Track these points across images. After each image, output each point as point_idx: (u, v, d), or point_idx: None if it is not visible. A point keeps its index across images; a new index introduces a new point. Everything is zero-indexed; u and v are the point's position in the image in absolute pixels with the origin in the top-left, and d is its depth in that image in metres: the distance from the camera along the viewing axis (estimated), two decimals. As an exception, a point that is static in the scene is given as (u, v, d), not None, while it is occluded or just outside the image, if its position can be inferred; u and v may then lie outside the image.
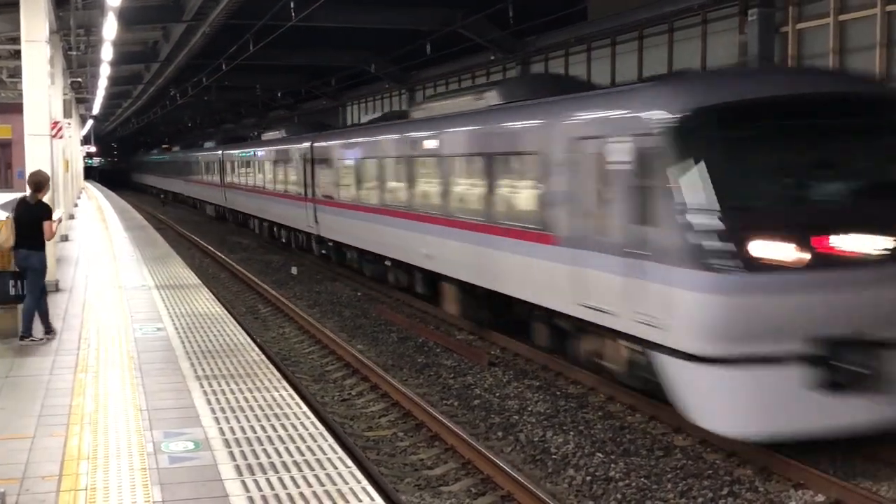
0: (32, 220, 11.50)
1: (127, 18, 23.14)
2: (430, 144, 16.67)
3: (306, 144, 25.90)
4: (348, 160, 22.15)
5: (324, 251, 24.96)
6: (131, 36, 30.04)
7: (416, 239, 17.04)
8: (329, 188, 23.71)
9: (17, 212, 11.60)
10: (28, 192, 12.00)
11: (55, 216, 12.35)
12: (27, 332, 11.63)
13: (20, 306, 11.64)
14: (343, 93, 46.08)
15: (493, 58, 29.58)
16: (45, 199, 12.00)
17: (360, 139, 21.74)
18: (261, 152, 33.00)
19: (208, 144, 48.00)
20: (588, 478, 9.63)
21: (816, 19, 17.25)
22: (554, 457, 10.31)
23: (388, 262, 19.52)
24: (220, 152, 41.42)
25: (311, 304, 20.82)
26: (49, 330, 11.89)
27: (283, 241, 30.45)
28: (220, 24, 25.72)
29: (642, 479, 9.51)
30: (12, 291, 11.47)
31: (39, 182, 11.81)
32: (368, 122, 26.83)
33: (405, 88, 38.22)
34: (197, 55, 32.55)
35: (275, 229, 31.54)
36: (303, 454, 7.16)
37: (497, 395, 12.86)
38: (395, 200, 18.37)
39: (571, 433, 11.04)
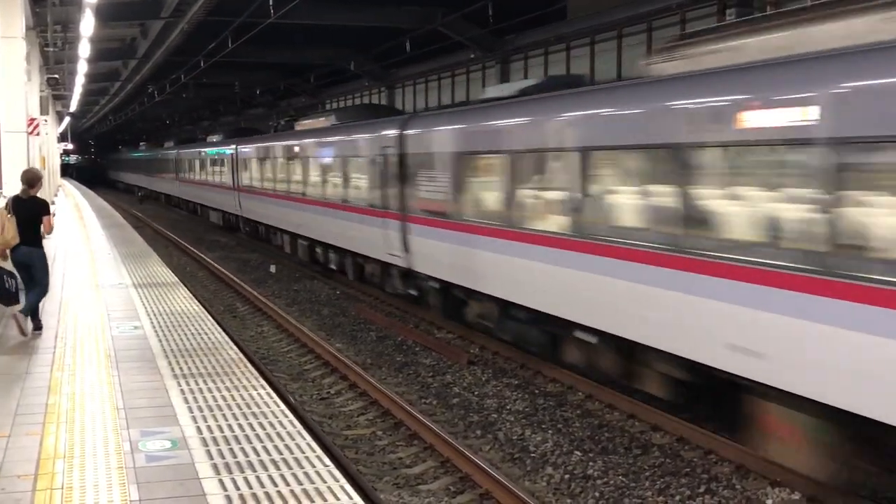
0: (30, 215, 11.48)
1: (104, 15, 23.00)
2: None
3: (392, 132, 17.51)
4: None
5: (413, 291, 17.19)
6: (109, 32, 29.89)
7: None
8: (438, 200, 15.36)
9: (15, 209, 11.52)
10: (20, 189, 11.96)
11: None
12: (39, 325, 11.77)
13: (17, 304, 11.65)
14: (322, 90, 45.98)
15: (472, 56, 29.59)
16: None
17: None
18: (305, 146, 24.75)
19: (214, 138, 41.64)
20: (566, 476, 9.65)
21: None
22: (532, 455, 10.32)
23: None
24: (232, 148, 34.28)
25: (289, 302, 20.76)
26: (39, 326, 11.88)
27: (334, 267, 22.63)
28: (199, 20, 25.60)
29: (620, 477, 9.54)
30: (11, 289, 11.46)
31: (32, 178, 11.77)
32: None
33: (385, 86, 38.17)
34: (175, 52, 32.39)
35: (318, 250, 23.70)
36: (281, 453, 7.14)
37: (476, 393, 12.87)
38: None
39: (550, 431, 11.06)
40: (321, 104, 47.33)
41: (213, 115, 67.36)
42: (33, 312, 11.72)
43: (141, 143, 74.98)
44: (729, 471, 9.62)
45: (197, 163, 41.63)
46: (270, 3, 22.23)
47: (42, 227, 11.65)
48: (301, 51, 36.03)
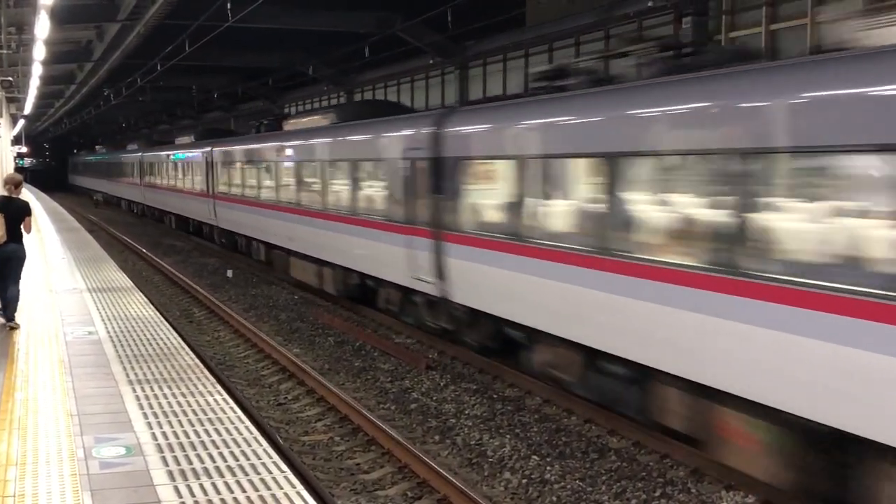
0: (18, 215, 12.36)
1: (60, 17, 22.72)
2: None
3: (424, 131, 14.53)
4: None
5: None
6: (64, 35, 29.52)
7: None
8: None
9: (4, 209, 12.32)
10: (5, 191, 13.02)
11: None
12: (13, 318, 12.53)
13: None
14: (281, 94, 45.79)
15: (431, 62, 29.64)
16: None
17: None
18: (299, 149, 21.28)
19: (185, 139, 37.33)
20: (524, 480, 9.68)
21: (749, 28, 17.57)
22: (490, 460, 10.34)
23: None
24: (207, 150, 30.54)
25: (246, 307, 20.63)
26: (12, 318, 12.59)
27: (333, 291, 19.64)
28: (156, 23, 25.37)
29: (577, 482, 9.59)
30: None
31: (18, 181, 12.92)
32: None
33: (344, 91, 38.11)
34: (131, 55, 32.07)
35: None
36: (237, 459, 7.09)
37: (434, 398, 12.87)
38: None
39: (508, 436, 11.09)
40: (279, 109, 47.12)
41: (170, 119, 66.81)
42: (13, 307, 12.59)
43: (97, 146, 73.96)
44: (684, 475, 9.70)
45: (166, 167, 38.10)
46: (228, 6, 22.10)
47: (23, 226, 12.50)
48: (259, 55, 35.85)
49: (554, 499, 9.19)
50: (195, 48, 28.31)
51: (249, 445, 7.46)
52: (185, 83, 45.31)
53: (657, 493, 9.25)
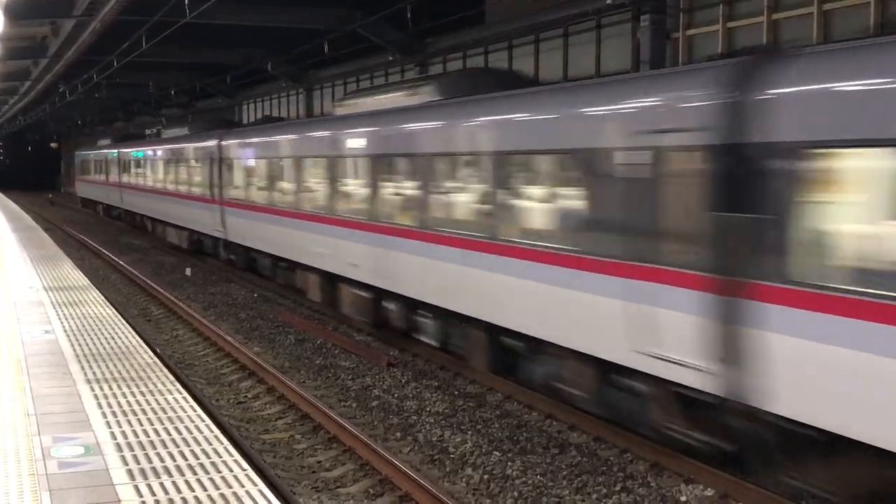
0: None
1: (14, 13, 22.45)
2: None
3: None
4: None
5: None
6: (19, 31, 29.15)
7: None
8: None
9: None
10: None
11: None
12: None
13: None
14: (239, 91, 45.50)
15: (391, 59, 29.59)
16: None
17: None
18: (386, 139, 14.80)
19: (179, 131, 31.34)
20: (486, 476, 9.71)
21: (706, 26, 17.72)
22: (452, 456, 10.36)
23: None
24: (213, 144, 24.67)
25: (205, 305, 20.49)
26: None
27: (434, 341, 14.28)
28: (112, 19, 25.12)
29: (538, 477, 9.64)
30: None
31: None
32: None
33: (303, 88, 37.94)
34: (87, 51, 31.73)
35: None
36: (197, 457, 7.04)
37: (396, 395, 12.87)
38: None
39: (469, 432, 11.12)
40: (237, 105, 46.84)
41: (126, 116, 66.12)
42: None
43: (51, 143, 72.87)
44: (644, 469, 9.79)
45: (155, 165, 32.04)
46: (186, 2, 21.91)
47: None
48: (217, 51, 35.60)
49: (515, 494, 9.22)
50: (152, 44, 28.04)
51: (210, 444, 7.41)
52: (143, 80, 44.87)
53: (617, 487, 9.32)
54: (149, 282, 23.14)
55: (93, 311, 13.70)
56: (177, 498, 6.22)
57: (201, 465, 6.89)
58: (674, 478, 9.48)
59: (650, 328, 8.83)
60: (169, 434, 7.65)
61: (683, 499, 9.01)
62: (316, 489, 9.52)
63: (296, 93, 39.16)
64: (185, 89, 47.02)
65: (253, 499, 6.22)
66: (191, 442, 7.45)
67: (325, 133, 17.32)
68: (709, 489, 9.11)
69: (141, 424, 7.91)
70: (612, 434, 10.51)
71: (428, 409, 12.17)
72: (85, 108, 63.36)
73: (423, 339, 14.12)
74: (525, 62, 23.44)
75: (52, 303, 14.33)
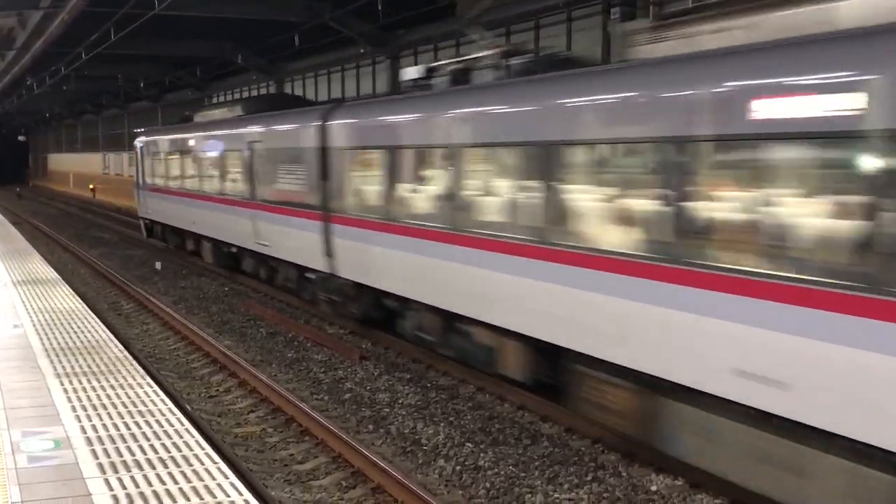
0: None
1: (-21, 3, 22.18)
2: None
3: None
4: None
5: None
6: (-16, 22, 28.83)
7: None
8: None
9: None
10: None
11: None
12: None
13: None
14: (209, 83, 45.22)
15: (362, 51, 29.50)
16: None
17: None
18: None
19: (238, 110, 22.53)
20: (458, 468, 9.74)
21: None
22: (425, 448, 10.38)
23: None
24: (316, 125, 16.00)
25: (176, 299, 20.38)
26: None
27: None
28: (80, 10, 24.87)
29: (511, 467, 9.68)
30: None
31: None
32: None
33: (273, 80, 37.77)
34: (55, 43, 31.39)
35: None
36: (168, 451, 7.02)
37: (368, 388, 12.87)
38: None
39: (442, 424, 11.14)
40: (208, 98, 46.56)
41: (95, 109, 65.56)
42: None
43: (19, 136, 72.05)
44: (615, 459, 9.85)
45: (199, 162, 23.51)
46: (155, -6, 21.74)
47: None
48: (186, 43, 35.30)
49: (488, 485, 9.25)
50: (121, 36, 27.78)
51: (181, 437, 7.39)
52: (111, 72, 44.42)
53: (589, 478, 9.37)
54: (118, 276, 22.98)
55: (62, 305, 13.59)
56: (147, 491, 6.20)
57: (172, 458, 6.87)
58: (645, 467, 9.55)
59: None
60: (140, 428, 7.62)
61: (654, 488, 9.08)
62: (288, 482, 9.51)
63: (266, 85, 38.96)
64: (154, 82, 46.69)
65: (224, 492, 6.21)
66: (161, 436, 7.42)
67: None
68: (679, 478, 9.18)
69: (111, 418, 7.87)
70: (584, 425, 10.57)
71: (400, 401, 12.18)
72: (53, 100, 62.76)
73: None
74: (496, 55, 23.44)
75: (20, 297, 14.21)
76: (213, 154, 22.30)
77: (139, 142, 30.60)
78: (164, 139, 27.32)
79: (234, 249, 21.40)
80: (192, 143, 24.22)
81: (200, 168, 23.27)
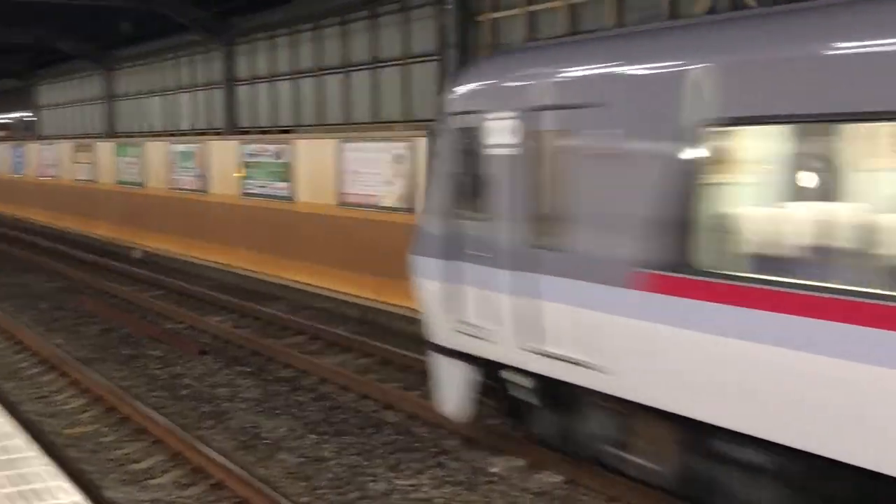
0: None
1: None
2: None
3: None
4: None
5: None
6: None
7: None
8: None
9: None
10: None
11: None
12: None
13: None
14: (33, 72, 43.32)
15: (196, 38, 28.82)
16: None
17: None
18: None
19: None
20: (301, 459, 9.68)
21: (509, 10, 18.08)
22: (266, 441, 10.27)
23: None
24: None
25: (1, 297, 19.47)
26: None
27: None
28: None
29: (354, 457, 9.69)
30: None
31: None
32: None
33: (103, 69, 36.51)
34: None
35: None
36: (-7, 455, 6.72)
37: (207, 383, 12.64)
38: None
39: (284, 417, 11.05)
40: (33, 87, 44.58)
41: None
42: None
43: None
44: (457, 443, 9.98)
45: None
46: (-29, -23, 20.65)
47: None
48: (7, 29, 33.66)
49: (330, 475, 9.24)
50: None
51: (9, 440, 7.09)
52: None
53: (431, 463, 9.48)
54: (-63, 274, 21.80)
55: None
56: (-29, 499, 5.92)
57: (-3, 462, 6.59)
58: (485, 451, 9.72)
59: None
60: (-39, 432, 7.27)
61: (494, 470, 9.25)
62: (124, 482, 9.24)
63: (97, 73, 37.59)
64: (-28, 70, 44.44)
65: (53, 494, 5.99)
66: (-15, 439, 7.10)
67: None
68: (519, 459, 9.38)
69: (-71, 424, 7.48)
70: (426, 412, 10.67)
71: (241, 395, 12.02)
72: None
73: None
74: (333, 44, 23.33)
75: None
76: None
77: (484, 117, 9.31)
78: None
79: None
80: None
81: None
